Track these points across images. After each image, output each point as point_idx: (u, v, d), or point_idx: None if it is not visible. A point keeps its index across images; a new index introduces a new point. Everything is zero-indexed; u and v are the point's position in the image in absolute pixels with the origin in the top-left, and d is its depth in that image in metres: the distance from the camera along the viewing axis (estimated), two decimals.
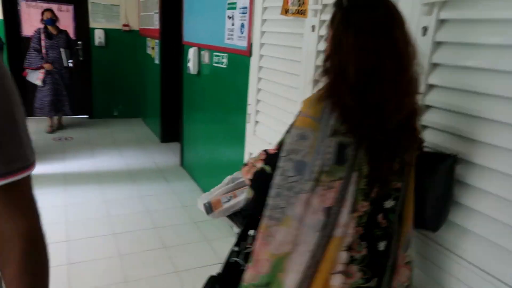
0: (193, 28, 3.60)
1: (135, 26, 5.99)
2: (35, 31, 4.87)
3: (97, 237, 2.77)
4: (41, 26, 4.90)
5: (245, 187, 1.42)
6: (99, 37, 5.78)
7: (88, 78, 5.94)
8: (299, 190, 0.95)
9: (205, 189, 3.65)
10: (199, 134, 3.72)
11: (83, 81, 5.94)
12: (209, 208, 1.42)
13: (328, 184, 0.94)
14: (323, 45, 1.10)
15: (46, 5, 5.55)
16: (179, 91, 4.24)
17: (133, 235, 2.84)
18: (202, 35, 3.36)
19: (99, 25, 5.80)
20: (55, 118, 5.38)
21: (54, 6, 5.60)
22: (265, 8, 2.31)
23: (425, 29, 1.25)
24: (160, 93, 5.02)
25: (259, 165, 1.09)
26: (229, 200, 1.39)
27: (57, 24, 4.97)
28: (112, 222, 2.99)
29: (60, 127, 5.47)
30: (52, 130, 5.26)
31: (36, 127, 5.32)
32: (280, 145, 1.02)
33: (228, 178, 1.52)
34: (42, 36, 4.83)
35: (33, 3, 5.51)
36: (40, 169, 3.89)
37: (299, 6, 1.92)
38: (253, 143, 2.57)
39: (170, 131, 5.15)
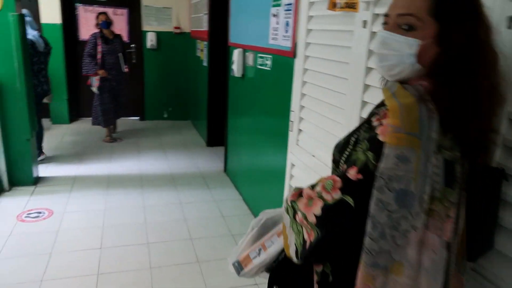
0: (238, 28, 3.43)
1: (186, 28, 5.97)
2: (91, 36, 4.67)
3: (130, 246, 2.67)
4: (96, 31, 4.71)
5: (273, 233, 1.14)
6: (151, 40, 5.82)
7: (140, 81, 6.01)
8: (408, 228, 0.74)
9: (246, 199, 3.45)
10: (242, 139, 3.53)
11: (135, 83, 6.04)
12: (239, 267, 1.16)
13: (444, 213, 0.76)
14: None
15: (102, 9, 5.70)
16: (225, 94, 4.10)
17: (167, 246, 2.70)
18: (247, 35, 3.17)
19: (151, 28, 5.84)
20: (113, 127, 5.15)
21: (110, 10, 5.73)
22: (311, 3, 2.05)
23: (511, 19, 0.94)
24: (208, 95, 4.92)
25: (335, 195, 0.80)
26: (258, 254, 1.12)
27: (112, 27, 4.79)
28: (147, 230, 2.89)
29: (115, 132, 5.32)
30: (111, 140, 5.00)
31: (86, 127, 5.45)
32: (364, 168, 0.78)
33: (253, 221, 1.25)
34: (99, 41, 4.61)
35: (90, 8, 5.68)
36: (86, 169, 3.94)
37: None
38: (295, 154, 2.32)
39: (216, 135, 5.04)
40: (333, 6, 1.75)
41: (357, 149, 0.81)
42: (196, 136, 5.53)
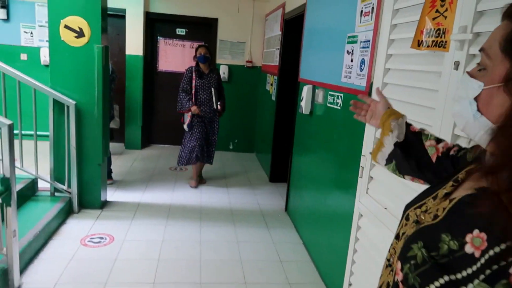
0: (309, 65, 3.32)
1: (258, 62, 6.04)
2: (187, 70, 4.32)
3: (183, 284, 2.57)
4: (193, 64, 4.41)
5: None
6: (223, 73, 5.96)
7: None
8: None
9: (306, 243, 3.22)
10: (306, 179, 3.34)
11: None
12: None
13: None
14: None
15: (181, 43, 5.99)
16: (292, 130, 3.98)
17: None
18: (317, 72, 3.04)
19: (224, 61, 5.99)
20: (198, 167, 4.58)
21: (187, 44, 6.01)
22: (391, 41, 1.87)
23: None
24: (273, 130, 4.84)
25: None
26: None
27: (209, 62, 4.38)
28: (201, 268, 2.77)
29: (201, 177, 4.67)
30: (197, 184, 4.50)
31: (155, 154, 5.62)
32: None
33: None
34: (194, 75, 4.26)
35: (170, 41, 5.99)
36: (150, 197, 4.00)
37: (437, 36, 1.46)
38: (364, 203, 2.09)
39: (280, 171, 4.91)
40: (417, 44, 1.56)
41: None
42: (259, 170, 5.44)
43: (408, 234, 0.68)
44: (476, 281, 0.51)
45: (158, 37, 5.96)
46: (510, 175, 0.53)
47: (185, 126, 4.33)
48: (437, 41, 1.46)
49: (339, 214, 2.53)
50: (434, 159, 0.95)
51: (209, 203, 4.03)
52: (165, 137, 6.29)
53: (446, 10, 1.42)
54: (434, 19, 1.49)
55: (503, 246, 0.50)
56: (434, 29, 1.48)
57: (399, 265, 0.64)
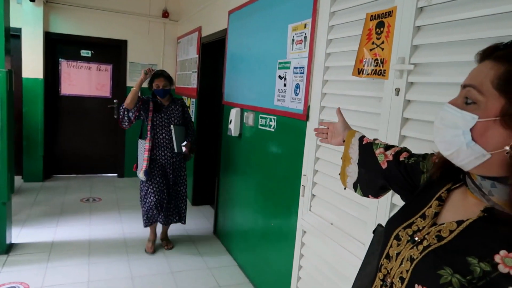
0: (235, 88, 3.40)
1: None
2: (142, 97, 3.38)
3: None
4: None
5: None
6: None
7: (121, 136, 5.83)
8: None
9: (243, 265, 3.22)
10: (237, 200, 3.37)
11: (115, 138, 5.84)
12: None
13: None
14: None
15: (87, 65, 5.61)
16: (217, 152, 3.98)
17: None
18: (246, 95, 3.13)
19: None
20: (162, 228, 3.62)
21: (94, 66, 5.65)
22: (327, 68, 2.04)
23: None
24: (194, 154, 4.78)
25: None
26: None
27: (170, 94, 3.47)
28: None
29: (166, 240, 3.61)
30: (154, 249, 3.46)
31: (61, 185, 5.12)
32: None
33: None
34: (150, 106, 3.32)
35: (74, 63, 5.57)
36: (64, 234, 3.61)
37: (376, 65, 1.63)
38: (308, 220, 2.19)
39: (203, 194, 4.85)
40: (358, 72, 1.72)
41: None
42: None
43: (413, 257, 0.71)
44: None
45: (60, 59, 5.50)
46: None
47: (140, 174, 3.32)
48: (376, 69, 1.63)
49: (279, 233, 2.60)
50: (384, 166, 1.04)
51: (133, 234, 3.78)
52: (72, 166, 5.77)
53: (383, 42, 1.61)
54: (371, 50, 1.67)
55: None
56: (372, 59, 1.65)
57: None
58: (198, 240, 3.78)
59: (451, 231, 0.69)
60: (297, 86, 2.30)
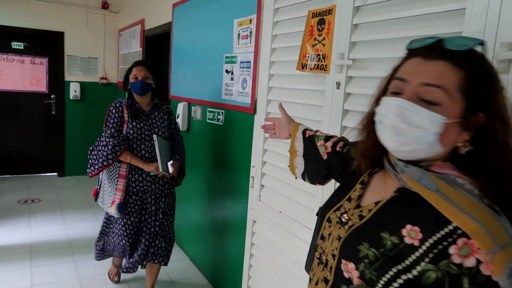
0: (182, 82, 3.38)
1: (113, 79, 5.75)
2: (112, 106, 2.47)
3: None
4: (121, 99, 2.52)
5: None
6: (74, 90, 5.47)
7: (61, 133, 5.54)
8: None
9: (194, 259, 3.24)
10: (187, 194, 3.37)
11: (55, 136, 5.55)
12: None
13: None
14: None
15: (19, 58, 5.26)
16: None
17: None
18: (193, 89, 3.13)
19: (75, 78, 5.50)
20: (148, 280, 2.71)
21: (27, 59, 5.31)
22: (272, 63, 2.11)
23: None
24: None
25: None
26: None
27: (153, 92, 2.60)
28: None
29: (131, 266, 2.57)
30: (119, 278, 2.88)
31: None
32: None
33: None
34: (125, 114, 2.44)
35: (4, 56, 5.19)
36: (2, 239, 3.40)
37: (318, 61, 1.73)
38: (257, 210, 2.27)
39: None
40: (301, 67, 1.81)
41: None
42: None
43: (340, 236, 0.80)
44: (423, 264, 0.66)
45: None
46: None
47: (110, 210, 2.44)
48: (318, 64, 1.73)
49: (230, 224, 2.66)
50: (324, 157, 1.13)
51: (78, 234, 3.65)
52: (6, 166, 5.39)
53: (324, 38, 1.71)
54: (313, 46, 1.76)
55: (438, 235, 0.66)
56: (315, 54, 1.75)
57: (351, 265, 0.75)
58: None
59: (369, 211, 0.78)
60: (244, 81, 2.36)
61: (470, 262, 0.63)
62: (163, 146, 2.46)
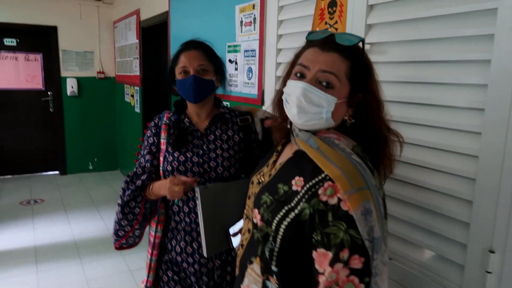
0: None
1: (111, 73, 5.61)
2: (150, 124, 1.45)
3: None
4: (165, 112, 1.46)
5: None
6: (71, 86, 5.34)
7: (60, 131, 5.43)
8: (382, 268, 0.80)
9: None
10: None
11: (54, 134, 5.44)
12: None
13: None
14: None
15: (12, 55, 5.11)
16: None
17: None
18: None
19: (71, 73, 5.37)
20: None
21: (21, 56, 5.18)
22: (279, 50, 1.98)
23: None
24: None
25: (357, 282, 0.77)
26: None
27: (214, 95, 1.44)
28: None
29: None
30: None
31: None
32: (356, 247, 0.78)
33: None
34: (162, 139, 1.40)
35: None
36: (5, 242, 3.34)
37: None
38: None
39: None
40: None
41: (332, 230, 0.79)
42: None
43: (255, 192, 1.00)
44: (301, 203, 0.84)
45: None
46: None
47: None
48: None
49: None
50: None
51: (84, 234, 3.57)
52: (6, 166, 5.29)
53: (336, 22, 1.58)
54: None
55: (313, 181, 0.84)
56: None
57: (256, 211, 0.93)
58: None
59: (276, 170, 0.98)
60: (250, 70, 2.23)
61: (333, 200, 0.80)
62: (219, 204, 1.25)
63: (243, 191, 1.18)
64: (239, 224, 1.23)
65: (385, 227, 0.85)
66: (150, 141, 1.42)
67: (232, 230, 1.25)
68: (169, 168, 1.35)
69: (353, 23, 1.50)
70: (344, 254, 0.77)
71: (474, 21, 1.11)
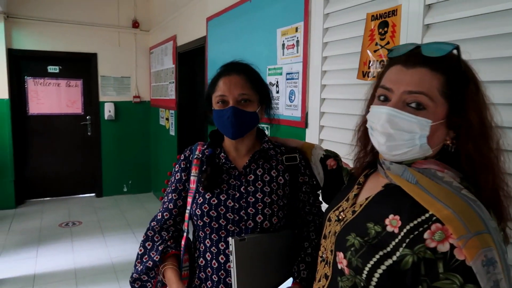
0: None
1: (146, 97, 5.75)
2: (180, 159, 1.27)
3: None
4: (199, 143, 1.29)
5: None
6: (109, 111, 5.50)
7: (97, 154, 5.57)
8: None
9: None
10: None
11: (92, 157, 5.58)
12: None
13: None
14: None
15: (54, 81, 5.34)
16: None
17: None
18: None
19: (109, 98, 5.54)
20: None
21: (62, 82, 5.39)
22: (324, 72, 1.96)
23: None
24: None
25: None
26: None
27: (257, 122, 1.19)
28: None
29: None
30: None
31: (36, 210, 4.83)
32: None
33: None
34: (192, 177, 1.20)
35: (41, 80, 5.28)
36: (46, 264, 3.38)
37: (382, 68, 1.56)
38: None
39: None
40: (362, 75, 1.65)
41: (444, 285, 0.66)
42: None
43: (336, 231, 0.85)
44: (401, 249, 0.70)
45: (26, 77, 5.20)
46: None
47: None
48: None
49: None
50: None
51: (121, 257, 3.59)
52: (46, 189, 5.45)
53: (388, 43, 1.54)
54: (375, 51, 1.60)
55: (415, 221, 0.70)
56: (378, 60, 1.59)
57: (341, 255, 0.80)
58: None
59: (360, 206, 0.84)
60: (292, 93, 2.21)
61: (444, 247, 0.66)
62: (257, 260, 1.08)
63: (288, 244, 1.07)
64: (284, 286, 1.06)
65: None
66: (177, 177, 1.22)
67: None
68: (198, 212, 1.13)
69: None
70: None
71: None
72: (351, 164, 1.05)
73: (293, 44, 2.17)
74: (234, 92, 1.11)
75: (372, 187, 0.86)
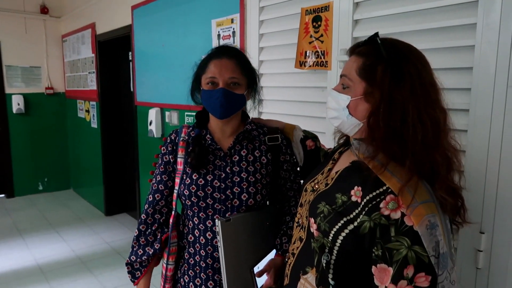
0: (150, 87, 3.24)
1: (60, 88, 5.37)
2: (166, 140, 1.32)
3: None
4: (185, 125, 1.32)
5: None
6: (17, 103, 5.03)
7: (5, 151, 5.08)
8: (450, 286, 0.77)
9: None
10: None
11: None
12: None
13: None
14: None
15: None
16: (132, 156, 3.78)
17: None
18: (165, 94, 3.02)
19: (17, 90, 5.06)
20: None
21: None
22: (261, 62, 2.09)
23: None
24: (102, 160, 4.43)
25: None
26: None
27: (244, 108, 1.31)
28: None
29: None
30: None
31: None
32: (422, 265, 0.75)
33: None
34: (179, 158, 1.27)
35: None
36: None
37: (317, 57, 1.74)
38: None
39: (116, 202, 4.54)
40: (300, 64, 1.81)
41: (394, 246, 0.76)
42: (88, 206, 4.87)
43: (310, 200, 0.96)
44: (361, 216, 0.81)
45: None
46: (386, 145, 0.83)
47: None
48: (318, 61, 1.74)
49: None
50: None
51: (48, 258, 3.37)
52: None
53: (322, 35, 1.72)
54: (310, 43, 1.77)
55: (373, 193, 0.81)
56: (313, 51, 1.76)
57: (312, 220, 0.92)
58: (124, 251, 3.55)
59: (332, 179, 0.95)
60: None
61: (396, 215, 0.77)
62: (242, 238, 1.16)
63: (270, 221, 1.18)
64: (265, 262, 1.15)
65: (452, 243, 0.81)
66: (165, 160, 1.28)
67: (257, 269, 1.13)
68: (186, 192, 1.20)
69: (340, 36, 1.65)
70: (409, 271, 0.75)
71: None
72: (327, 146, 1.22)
73: (229, 35, 2.26)
74: (224, 75, 1.17)
75: (344, 163, 0.96)
